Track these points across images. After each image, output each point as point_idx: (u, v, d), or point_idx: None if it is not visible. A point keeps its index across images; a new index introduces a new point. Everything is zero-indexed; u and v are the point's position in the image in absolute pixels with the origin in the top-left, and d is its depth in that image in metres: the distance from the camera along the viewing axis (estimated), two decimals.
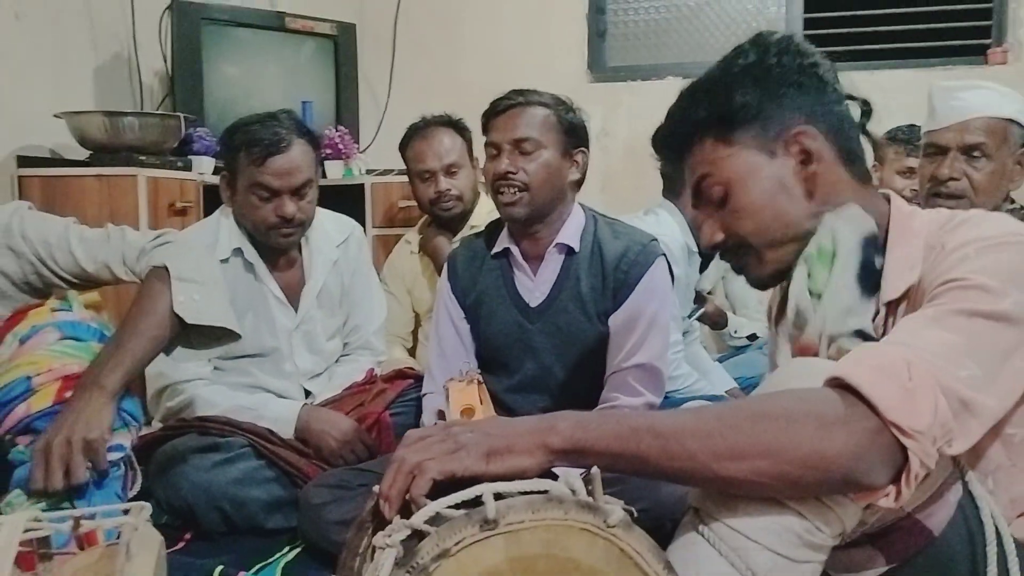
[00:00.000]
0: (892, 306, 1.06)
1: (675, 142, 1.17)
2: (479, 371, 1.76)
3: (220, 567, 1.61)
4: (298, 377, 2.09)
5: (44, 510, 1.19)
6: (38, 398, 1.28)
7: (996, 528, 0.94)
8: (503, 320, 1.85)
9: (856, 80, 3.69)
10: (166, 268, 1.47)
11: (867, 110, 1.15)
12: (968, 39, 3.34)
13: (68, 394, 1.29)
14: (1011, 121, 1.81)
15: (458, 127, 2.58)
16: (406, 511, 0.85)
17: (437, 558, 0.76)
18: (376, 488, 0.94)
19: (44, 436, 1.25)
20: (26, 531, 0.93)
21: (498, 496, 0.79)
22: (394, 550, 0.77)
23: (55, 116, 2.57)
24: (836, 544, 0.88)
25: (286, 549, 1.74)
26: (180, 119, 2.68)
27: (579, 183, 1.86)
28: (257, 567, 1.65)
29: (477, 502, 0.80)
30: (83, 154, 2.62)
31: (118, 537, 0.99)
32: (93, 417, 1.27)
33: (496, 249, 1.87)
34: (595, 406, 1.77)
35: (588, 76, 3.63)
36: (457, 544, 0.77)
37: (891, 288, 1.05)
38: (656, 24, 3.65)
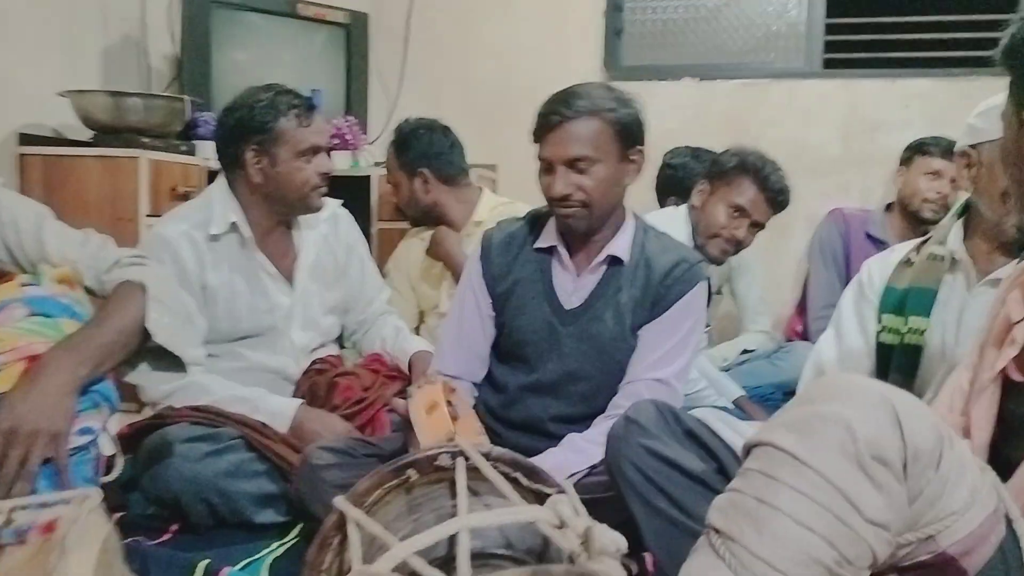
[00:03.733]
0: None
1: None
2: (444, 376, 1.68)
3: (205, 561, 1.55)
4: (295, 353, 2.07)
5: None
6: (1, 379, 1.22)
7: None
8: (533, 316, 1.79)
9: (876, 88, 3.69)
10: (142, 286, 1.42)
11: None
12: (992, 49, 3.27)
13: None
14: None
15: (395, 144, 2.62)
16: (371, 548, 0.79)
17: None
18: (338, 501, 0.89)
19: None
20: None
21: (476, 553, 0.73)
22: None
23: (59, 95, 2.54)
24: None
25: (274, 545, 1.69)
26: (186, 102, 2.64)
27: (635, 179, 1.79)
28: (244, 563, 1.60)
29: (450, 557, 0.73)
30: (87, 134, 2.59)
31: None
32: (57, 408, 1.20)
33: (540, 244, 1.81)
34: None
35: (603, 75, 3.57)
36: None
37: None
38: (674, 24, 3.59)
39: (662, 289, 1.73)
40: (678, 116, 3.39)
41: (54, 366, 1.23)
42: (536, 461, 1.53)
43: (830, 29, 3.43)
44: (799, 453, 0.82)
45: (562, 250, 1.78)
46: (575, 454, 1.63)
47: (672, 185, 2.91)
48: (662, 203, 2.94)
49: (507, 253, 1.83)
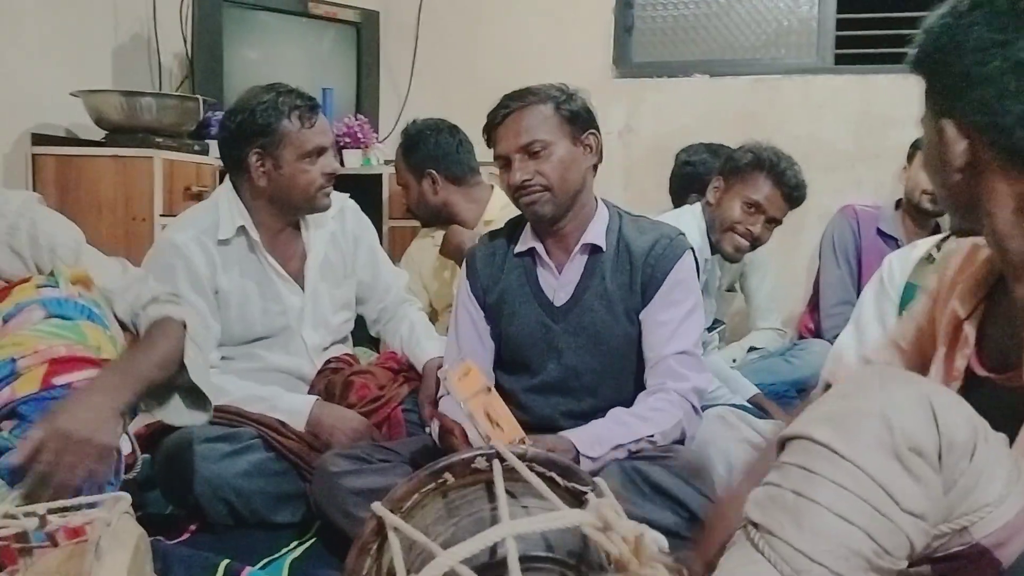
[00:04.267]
0: None
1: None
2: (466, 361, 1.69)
3: (226, 561, 1.55)
4: (308, 352, 2.07)
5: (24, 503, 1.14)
6: (23, 382, 1.22)
7: None
8: (526, 319, 1.80)
9: (888, 84, 3.67)
10: (183, 324, 1.44)
11: None
12: None
13: (55, 379, 1.23)
14: None
15: (402, 146, 2.62)
16: (410, 553, 0.79)
17: None
18: (376, 506, 0.89)
19: (46, 432, 1.15)
20: None
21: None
22: None
23: (71, 94, 2.54)
24: (903, 567, 0.84)
25: (293, 544, 1.71)
26: (199, 102, 2.64)
27: (596, 166, 1.81)
28: (263, 562, 1.61)
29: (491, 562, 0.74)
30: (99, 134, 2.59)
31: None
32: (108, 424, 1.20)
33: (520, 248, 1.83)
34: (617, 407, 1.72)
35: (613, 71, 3.57)
36: None
37: None
38: (685, 20, 3.57)
39: (647, 269, 1.74)
40: (689, 113, 3.38)
41: (105, 387, 1.24)
42: (577, 433, 1.56)
43: (842, 24, 3.41)
44: (836, 446, 0.82)
45: (540, 249, 1.80)
46: (619, 426, 1.63)
47: (691, 182, 2.90)
48: (679, 202, 2.91)
49: (491, 264, 1.85)
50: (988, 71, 0.97)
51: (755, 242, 2.39)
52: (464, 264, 1.91)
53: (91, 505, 1.00)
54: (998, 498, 0.86)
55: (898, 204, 2.98)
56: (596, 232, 1.77)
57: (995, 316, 1.08)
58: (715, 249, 2.44)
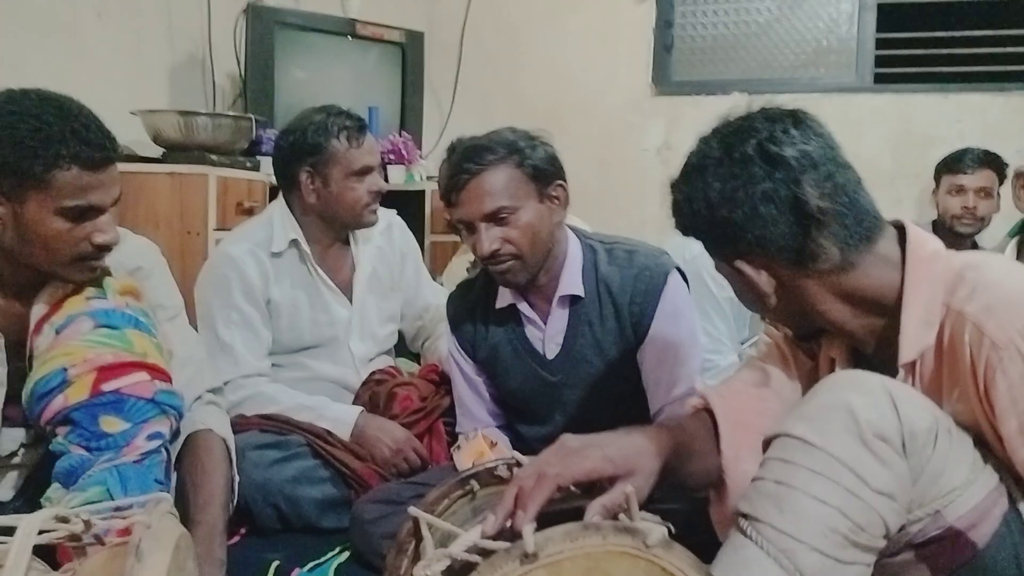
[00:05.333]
0: (912, 367, 1.06)
1: None
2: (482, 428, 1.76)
3: (276, 563, 1.62)
4: (354, 363, 2.14)
5: (84, 504, 1.18)
6: (74, 389, 1.28)
7: None
8: (523, 375, 1.76)
9: (928, 103, 3.67)
10: (224, 442, 1.52)
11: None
12: None
13: (104, 385, 1.29)
14: None
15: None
16: (445, 540, 0.86)
17: None
18: (412, 509, 0.96)
19: None
20: (41, 532, 0.91)
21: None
22: None
23: (131, 113, 2.65)
24: (881, 545, 0.92)
25: (338, 549, 1.75)
26: (251, 120, 2.74)
27: (563, 218, 1.71)
28: (310, 565, 1.66)
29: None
30: (156, 151, 2.69)
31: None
32: None
33: (500, 304, 1.76)
34: None
35: (652, 89, 3.62)
36: None
37: (908, 348, 1.06)
38: (724, 39, 3.62)
39: (634, 309, 1.67)
40: None
41: (209, 553, 1.34)
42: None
43: (881, 43, 3.43)
44: (810, 438, 0.92)
45: (521, 305, 1.74)
46: None
47: None
48: None
49: (473, 321, 1.80)
50: (743, 212, 1.07)
51: None
52: (447, 318, 1.88)
53: (140, 506, 1.05)
54: (965, 482, 0.95)
55: (934, 225, 2.99)
56: (572, 281, 1.70)
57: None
58: None
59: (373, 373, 2.15)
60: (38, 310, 1.37)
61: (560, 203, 1.68)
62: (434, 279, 2.78)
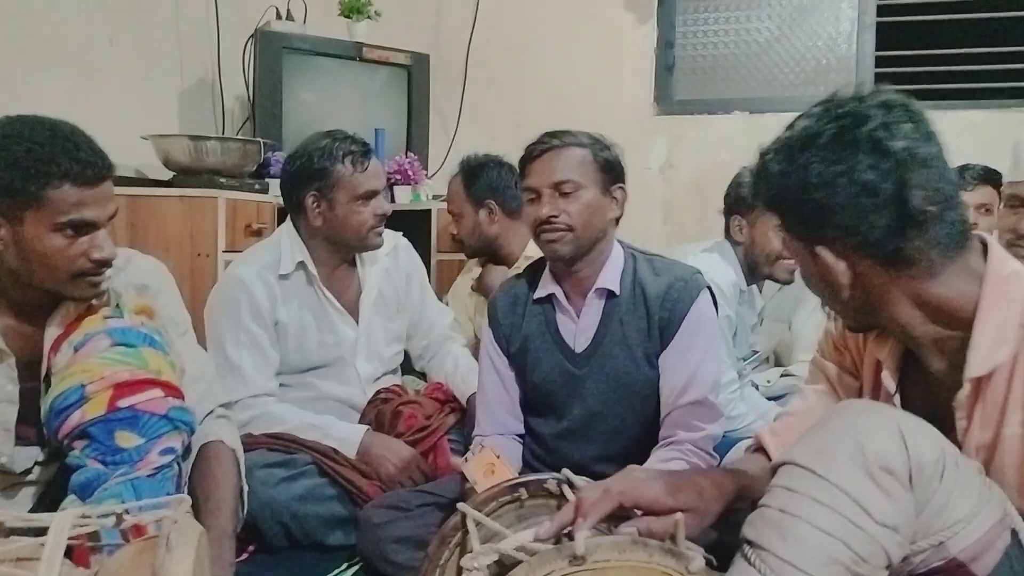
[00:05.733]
0: (979, 383, 1.04)
1: None
2: (488, 439, 1.79)
3: None
4: (360, 383, 2.17)
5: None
6: (92, 405, 1.33)
7: None
8: (550, 366, 1.83)
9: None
10: (234, 452, 1.56)
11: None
12: None
13: (120, 402, 1.33)
14: None
15: (463, 174, 2.66)
16: (490, 538, 0.90)
17: None
18: (461, 505, 0.99)
19: None
20: (73, 527, 0.97)
21: None
22: (481, 573, 0.81)
23: (142, 138, 2.70)
24: None
25: (344, 566, 1.79)
26: (260, 144, 2.79)
27: (618, 219, 1.84)
28: None
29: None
30: (167, 175, 2.74)
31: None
32: None
33: (539, 294, 1.85)
34: (645, 451, 1.75)
35: (654, 109, 3.66)
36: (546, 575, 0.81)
37: (979, 363, 1.03)
38: (724, 59, 3.66)
39: (664, 313, 1.75)
40: (729, 149, 3.44)
41: (220, 556, 1.38)
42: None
43: (880, 62, 3.47)
44: (816, 467, 0.93)
45: (558, 292, 1.82)
46: None
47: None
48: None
49: (513, 313, 1.87)
50: (840, 199, 1.04)
51: None
52: (487, 313, 1.94)
53: (165, 505, 1.10)
54: (970, 514, 0.95)
55: None
56: (611, 277, 1.79)
57: (913, 381, 1.17)
58: (770, 277, 2.47)
59: (379, 392, 2.19)
60: (52, 331, 1.42)
61: (618, 203, 1.80)
62: (440, 298, 2.82)
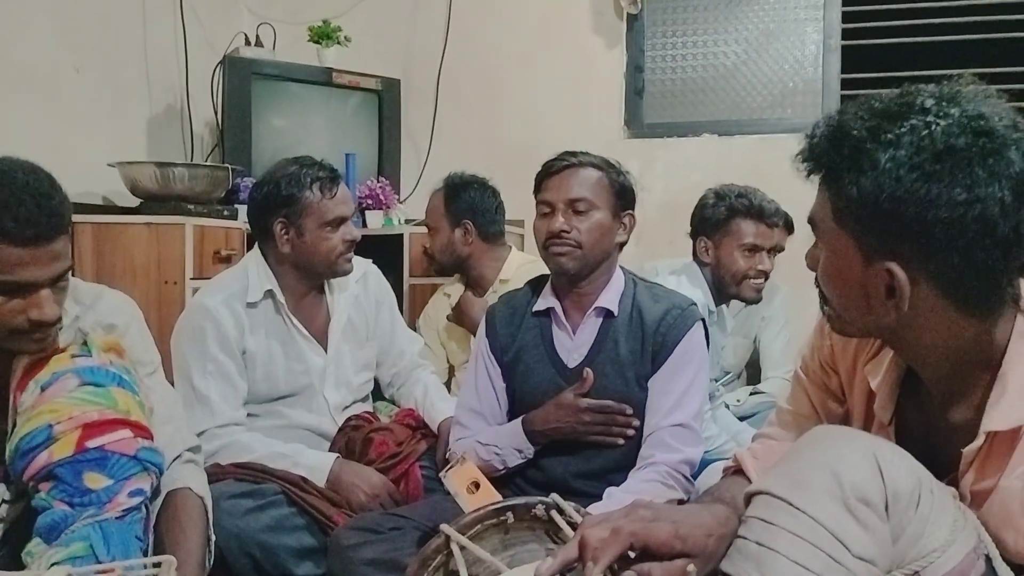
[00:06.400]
0: (997, 438, 1.00)
1: (819, 160, 1.03)
2: (470, 452, 1.79)
3: None
4: (329, 411, 2.15)
5: (68, 559, 1.21)
6: (60, 446, 1.30)
7: None
8: (540, 378, 1.85)
9: None
10: (202, 500, 1.53)
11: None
12: (1008, 102, 3.33)
13: (88, 442, 1.30)
14: None
15: (446, 190, 2.67)
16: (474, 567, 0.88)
17: None
18: (444, 527, 0.97)
19: None
20: None
21: None
22: None
23: (109, 165, 2.68)
24: None
25: None
26: (228, 170, 2.77)
27: (623, 244, 1.88)
28: None
29: None
30: (134, 202, 2.72)
31: None
32: None
33: (538, 307, 1.89)
34: (625, 471, 1.77)
35: (625, 132, 3.68)
36: None
37: (1000, 417, 0.98)
38: (693, 83, 3.69)
39: (658, 338, 1.79)
40: (699, 171, 3.47)
41: None
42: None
43: (846, 84, 3.52)
44: (793, 499, 0.92)
45: (558, 309, 1.86)
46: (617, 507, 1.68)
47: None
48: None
49: (511, 324, 1.91)
50: (963, 225, 0.91)
51: (767, 275, 2.46)
52: (484, 322, 1.97)
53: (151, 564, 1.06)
54: (944, 543, 0.94)
55: None
56: (610, 297, 1.84)
57: (908, 409, 1.14)
58: (737, 297, 2.50)
59: (349, 419, 2.16)
60: (18, 371, 1.38)
61: (625, 229, 1.87)
62: (413, 322, 2.81)
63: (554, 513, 1.09)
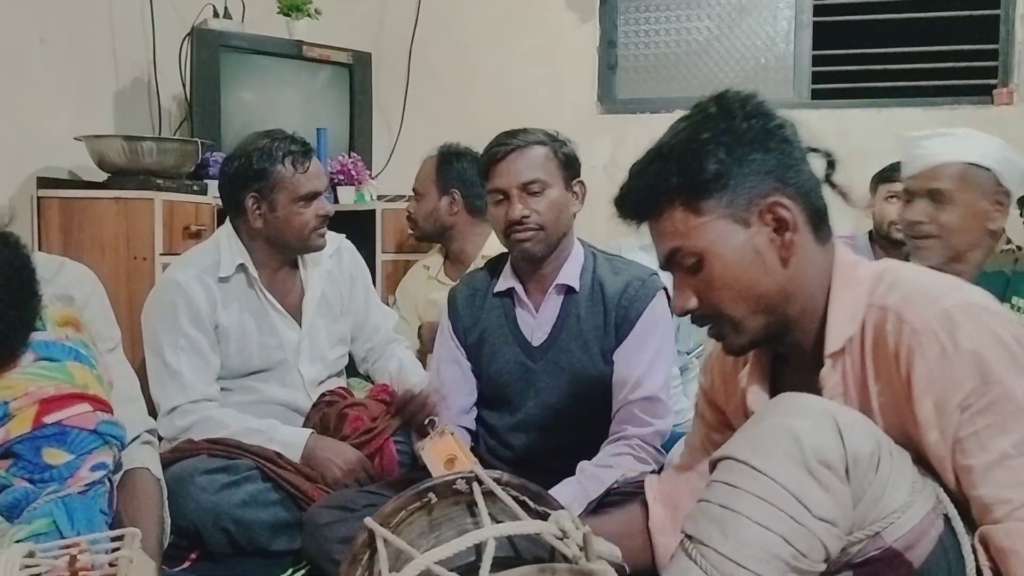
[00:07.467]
0: (837, 357, 1.10)
1: (642, 208, 1.17)
2: (450, 425, 1.78)
3: None
4: (304, 386, 2.15)
5: (31, 536, 1.20)
6: (16, 423, 1.29)
7: (976, 563, 0.97)
8: (506, 359, 1.86)
9: (863, 118, 3.77)
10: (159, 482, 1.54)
11: (831, 161, 1.19)
12: (975, 79, 3.38)
13: (46, 418, 1.30)
14: (974, 165, 1.87)
15: (439, 158, 2.67)
16: (397, 561, 0.88)
17: None
18: (368, 521, 0.97)
19: None
20: (23, 568, 0.93)
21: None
22: None
23: (75, 139, 2.63)
24: (822, 570, 0.94)
25: (289, 571, 1.77)
26: (197, 144, 2.73)
27: (575, 214, 1.88)
28: None
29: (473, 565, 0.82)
30: (102, 176, 2.67)
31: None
32: None
33: (499, 288, 1.89)
34: (596, 445, 1.78)
35: (598, 108, 3.68)
36: None
37: (834, 339, 1.10)
38: (666, 58, 3.69)
39: (620, 311, 1.80)
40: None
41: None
42: (554, 493, 1.57)
43: (817, 60, 3.53)
44: (755, 463, 0.95)
45: (519, 289, 1.86)
46: (590, 481, 1.70)
47: None
48: None
49: (472, 305, 1.91)
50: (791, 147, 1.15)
51: None
52: (446, 304, 1.97)
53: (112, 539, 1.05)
54: (904, 504, 0.97)
55: (870, 235, 3.08)
56: (570, 273, 1.84)
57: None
58: None
59: (323, 394, 2.16)
60: None
61: (578, 198, 1.86)
62: (387, 298, 2.80)
63: (475, 485, 1.08)
